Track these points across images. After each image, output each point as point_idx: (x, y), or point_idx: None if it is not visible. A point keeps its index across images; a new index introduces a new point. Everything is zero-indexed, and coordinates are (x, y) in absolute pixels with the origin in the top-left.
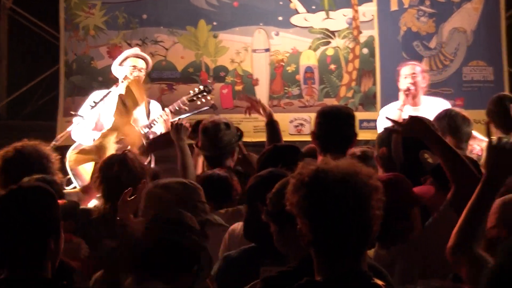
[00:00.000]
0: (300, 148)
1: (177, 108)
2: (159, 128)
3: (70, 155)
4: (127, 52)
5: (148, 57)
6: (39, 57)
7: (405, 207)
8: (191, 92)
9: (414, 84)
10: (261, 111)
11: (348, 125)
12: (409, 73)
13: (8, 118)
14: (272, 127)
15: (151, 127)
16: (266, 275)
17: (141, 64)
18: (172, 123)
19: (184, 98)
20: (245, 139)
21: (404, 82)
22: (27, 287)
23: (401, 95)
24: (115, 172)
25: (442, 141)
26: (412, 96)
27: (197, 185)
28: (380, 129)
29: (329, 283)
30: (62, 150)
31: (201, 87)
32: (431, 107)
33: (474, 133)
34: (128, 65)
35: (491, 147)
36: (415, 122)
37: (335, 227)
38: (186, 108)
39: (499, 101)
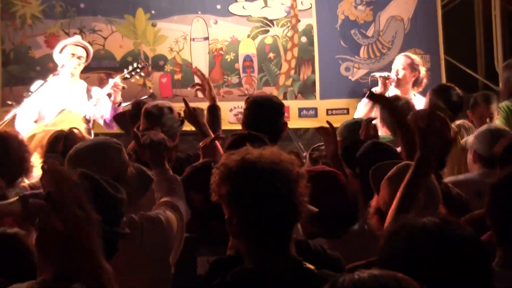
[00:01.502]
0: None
1: (107, 89)
2: (104, 106)
3: None
4: (68, 40)
5: (88, 45)
6: None
7: (353, 201)
8: (125, 70)
9: (397, 73)
10: (207, 92)
11: (277, 114)
12: (399, 64)
13: None
14: (213, 111)
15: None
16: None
17: (80, 52)
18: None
19: (118, 76)
20: (185, 128)
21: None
22: None
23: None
24: (61, 147)
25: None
26: (389, 85)
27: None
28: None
29: (261, 270)
30: None
31: (135, 65)
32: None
33: None
34: (67, 53)
35: (421, 130)
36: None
37: (265, 214)
38: (125, 86)
39: (445, 90)
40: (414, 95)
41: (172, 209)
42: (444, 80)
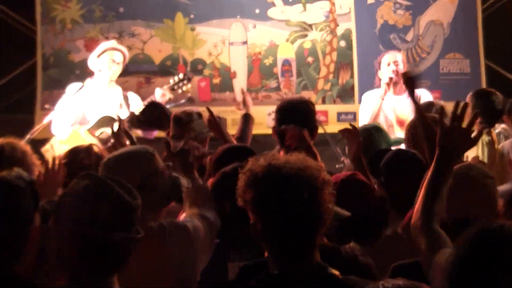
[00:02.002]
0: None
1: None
2: None
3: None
4: (105, 44)
5: (125, 50)
6: (16, 50)
7: (381, 205)
8: (171, 81)
9: (396, 72)
10: (245, 101)
11: (306, 118)
12: (392, 61)
13: None
14: (246, 119)
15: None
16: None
17: (118, 57)
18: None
19: (166, 87)
20: None
21: (386, 70)
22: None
23: (383, 84)
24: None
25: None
26: (393, 84)
27: None
28: (362, 114)
29: (285, 276)
30: (39, 143)
31: (181, 76)
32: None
33: None
34: (106, 59)
35: (444, 127)
36: None
37: (289, 220)
38: (171, 96)
39: (486, 95)
40: None
41: (200, 218)
42: (484, 85)
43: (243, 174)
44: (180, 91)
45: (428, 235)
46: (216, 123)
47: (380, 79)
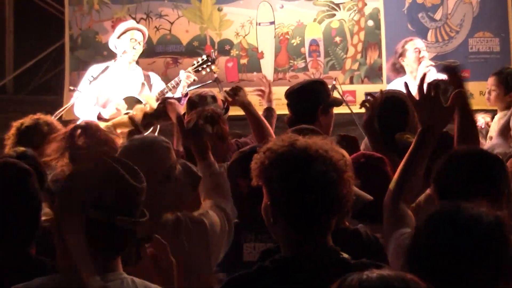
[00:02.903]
0: None
1: (183, 81)
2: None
3: None
4: (124, 25)
5: (145, 29)
6: (44, 31)
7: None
8: (195, 62)
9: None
10: (266, 96)
11: (314, 100)
12: (420, 47)
13: (14, 93)
14: (269, 112)
15: (165, 93)
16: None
17: (139, 36)
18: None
19: (190, 69)
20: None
21: (414, 56)
22: (11, 264)
23: (409, 74)
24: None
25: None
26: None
27: None
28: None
29: (299, 259)
30: (66, 124)
31: (204, 57)
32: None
33: None
34: (128, 39)
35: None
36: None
37: (311, 201)
38: (196, 78)
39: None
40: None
41: (217, 210)
42: None
43: (263, 153)
44: (204, 72)
45: (392, 214)
46: (239, 98)
47: (402, 66)
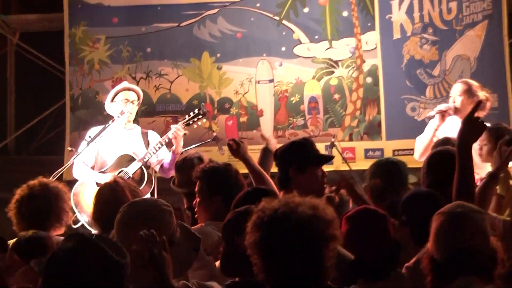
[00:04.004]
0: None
1: (174, 136)
2: (163, 152)
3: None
4: (117, 87)
5: (138, 88)
6: (45, 92)
7: (391, 243)
8: (187, 116)
9: (454, 101)
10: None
11: (285, 159)
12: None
13: (16, 153)
14: (265, 153)
15: (155, 151)
16: None
17: (132, 96)
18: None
19: (180, 123)
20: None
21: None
22: None
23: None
24: (106, 198)
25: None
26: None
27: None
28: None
29: None
30: (68, 184)
31: (196, 111)
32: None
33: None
34: (120, 100)
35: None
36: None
37: (288, 269)
38: (186, 132)
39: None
40: None
41: None
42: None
43: (255, 213)
44: (195, 126)
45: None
46: (240, 150)
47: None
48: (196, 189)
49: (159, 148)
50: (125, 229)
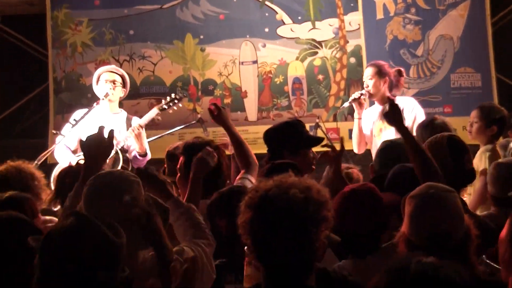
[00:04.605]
0: None
1: (149, 120)
2: (133, 142)
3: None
4: (101, 69)
5: (121, 70)
6: (28, 75)
7: (385, 216)
8: (163, 101)
9: (366, 86)
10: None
11: (279, 141)
12: (366, 76)
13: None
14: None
15: (126, 140)
16: None
17: (112, 76)
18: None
19: (155, 108)
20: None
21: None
22: None
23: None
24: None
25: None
26: (364, 101)
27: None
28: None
29: None
30: (52, 167)
31: (172, 95)
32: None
33: None
34: (103, 81)
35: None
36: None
37: (278, 249)
38: (159, 118)
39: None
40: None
41: (194, 246)
42: (495, 99)
43: (248, 192)
44: (171, 111)
45: None
46: (221, 115)
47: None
48: (178, 166)
49: (127, 139)
50: (94, 200)
